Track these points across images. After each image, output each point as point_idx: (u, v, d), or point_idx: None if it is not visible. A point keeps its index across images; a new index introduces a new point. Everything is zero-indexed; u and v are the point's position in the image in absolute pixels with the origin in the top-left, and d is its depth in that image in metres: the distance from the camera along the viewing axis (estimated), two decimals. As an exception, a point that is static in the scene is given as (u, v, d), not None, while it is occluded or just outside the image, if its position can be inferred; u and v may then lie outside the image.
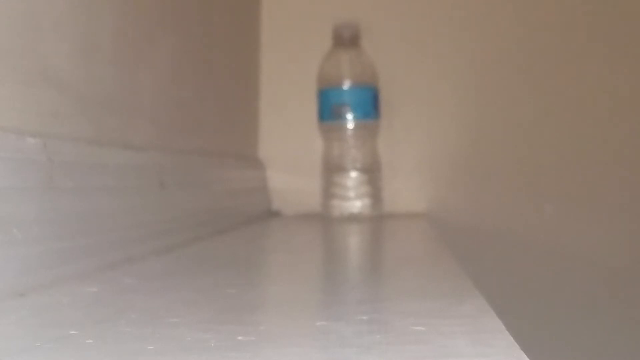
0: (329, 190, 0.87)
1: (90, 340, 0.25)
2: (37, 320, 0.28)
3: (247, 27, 0.92)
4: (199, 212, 0.62)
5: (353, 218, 0.85)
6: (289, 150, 0.95)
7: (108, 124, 0.48)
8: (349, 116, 0.86)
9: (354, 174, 0.86)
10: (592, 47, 0.93)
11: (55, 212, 0.37)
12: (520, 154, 0.94)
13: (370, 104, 0.86)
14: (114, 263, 0.41)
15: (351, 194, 0.86)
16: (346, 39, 0.87)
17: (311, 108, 0.90)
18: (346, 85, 0.86)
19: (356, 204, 0.85)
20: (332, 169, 0.88)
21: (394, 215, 0.89)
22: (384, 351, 0.23)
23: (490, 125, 0.94)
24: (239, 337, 0.25)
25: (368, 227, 0.79)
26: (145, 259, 0.45)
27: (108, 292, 0.35)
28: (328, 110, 0.87)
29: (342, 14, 0.92)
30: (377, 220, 0.84)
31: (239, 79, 0.89)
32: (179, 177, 0.58)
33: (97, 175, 0.43)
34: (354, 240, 0.67)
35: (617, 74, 0.92)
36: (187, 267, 0.45)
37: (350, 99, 0.85)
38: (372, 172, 0.87)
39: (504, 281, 0.89)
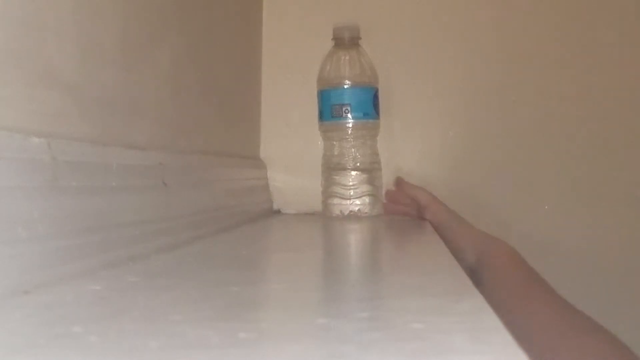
0: (329, 189, 0.88)
1: (94, 337, 0.25)
2: (41, 318, 0.29)
3: (248, 28, 0.93)
4: (201, 211, 0.62)
5: (353, 217, 0.85)
6: (290, 150, 0.95)
7: (111, 124, 0.48)
8: (349, 116, 0.86)
9: (354, 173, 0.87)
10: (591, 48, 0.93)
11: (60, 211, 0.37)
12: (519, 154, 0.94)
13: (370, 104, 0.87)
14: (117, 261, 0.42)
15: (351, 192, 0.86)
16: (346, 40, 0.88)
17: (312, 108, 0.90)
18: (346, 85, 0.86)
19: (356, 203, 0.86)
20: (332, 168, 0.88)
21: (394, 214, 0.89)
22: (383, 348, 0.23)
23: (490, 125, 0.95)
24: (241, 334, 0.25)
25: (368, 226, 0.79)
26: (149, 257, 0.45)
27: (111, 290, 0.35)
28: (328, 110, 0.87)
29: (342, 15, 0.92)
30: (377, 219, 0.84)
31: (241, 79, 0.89)
32: (182, 176, 0.58)
33: (100, 175, 0.43)
34: (354, 239, 0.67)
35: (615, 76, 0.93)
36: (189, 265, 0.45)
37: (351, 99, 0.86)
38: (371, 171, 0.88)
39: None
